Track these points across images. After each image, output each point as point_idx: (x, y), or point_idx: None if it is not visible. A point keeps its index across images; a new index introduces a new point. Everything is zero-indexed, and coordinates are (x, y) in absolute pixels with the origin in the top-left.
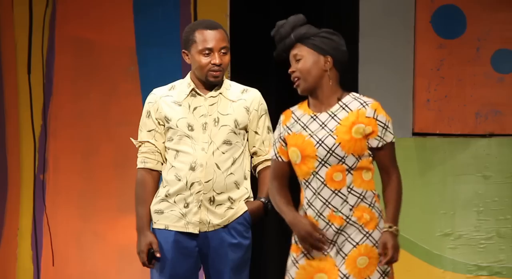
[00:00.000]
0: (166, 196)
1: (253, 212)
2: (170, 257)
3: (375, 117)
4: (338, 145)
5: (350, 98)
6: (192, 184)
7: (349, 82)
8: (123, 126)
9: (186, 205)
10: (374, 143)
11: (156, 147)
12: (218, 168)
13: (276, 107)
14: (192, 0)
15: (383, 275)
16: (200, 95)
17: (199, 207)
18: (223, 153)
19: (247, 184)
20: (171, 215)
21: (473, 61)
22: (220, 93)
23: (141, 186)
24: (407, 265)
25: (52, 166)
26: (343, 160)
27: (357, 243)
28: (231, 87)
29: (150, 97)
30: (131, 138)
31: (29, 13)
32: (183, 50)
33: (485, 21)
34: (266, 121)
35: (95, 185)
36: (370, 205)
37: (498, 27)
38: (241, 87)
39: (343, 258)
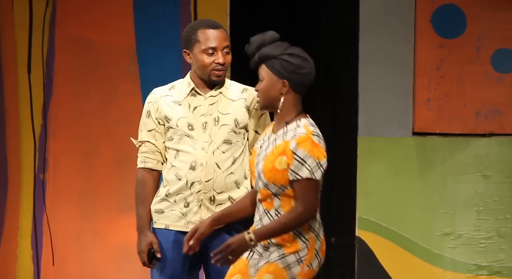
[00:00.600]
0: (167, 195)
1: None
2: (170, 257)
3: (294, 151)
4: (262, 172)
5: (292, 126)
6: (192, 184)
7: (349, 82)
8: (123, 125)
9: (186, 204)
10: (289, 176)
11: (156, 147)
12: (219, 167)
13: None
14: (192, 0)
15: None
16: (200, 94)
17: (200, 206)
18: (223, 152)
19: (247, 183)
20: (172, 215)
21: (473, 61)
22: (220, 92)
23: (141, 185)
24: (407, 264)
25: (52, 165)
26: (266, 186)
27: (269, 261)
28: (231, 86)
29: (150, 97)
30: (131, 138)
31: (29, 12)
32: (184, 50)
33: (485, 20)
34: (266, 120)
35: (95, 185)
36: (296, 233)
37: (498, 26)
38: (241, 86)
39: (255, 271)
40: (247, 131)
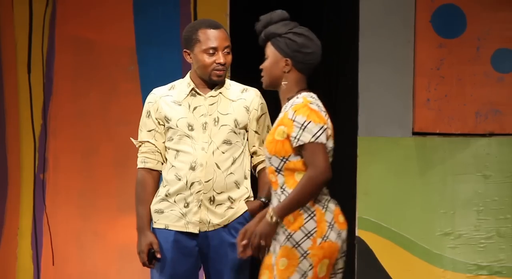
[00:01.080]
0: (166, 195)
1: (253, 211)
2: (170, 257)
3: (293, 118)
4: (265, 146)
5: (291, 101)
6: (192, 184)
7: (349, 82)
8: (123, 125)
9: (186, 204)
10: (294, 144)
11: (156, 147)
12: (218, 167)
13: (276, 107)
14: (192, 0)
15: (303, 277)
16: (200, 94)
17: (199, 206)
18: (223, 153)
19: (247, 183)
20: (171, 215)
21: (473, 61)
22: (220, 92)
23: (141, 185)
24: (407, 264)
25: (52, 165)
26: (270, 161)
27: (281, 244)
28: (231, 86)
29: (150, 97)
30: (131, 138)
31: (29, 12)
32: (185, 50)
33: (485, 20)
34: (266, 120)
35: (95, 184)
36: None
37: (498, 26)
38: (241, 86)
39: (275, 258)
40: (246, 131)
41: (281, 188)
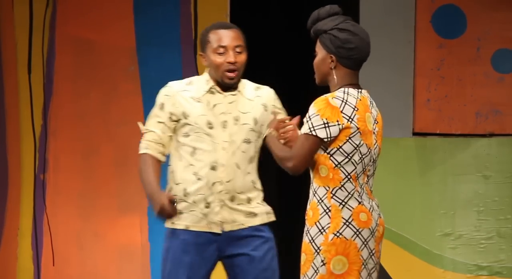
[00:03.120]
0: (185, 195)
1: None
2: (188, 260)
3: (309, 109)
4: None
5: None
6: (213, 184)
7: None
8: (123, 126)
9: (207, 205)
10: None
11: (160, 139)
12: (238, 167)
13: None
14: (192, 0)
15: (316, 273)
16: (219, 92)
17: (221, 206)
18: (243, 152)
19: (260, 183)
20: (192, 216)
21: (473, 61)
22: (239, 91)
23: (143, 163)
24: (407, 264)
25: (52, 165)
26: None
27: (303, 240)
28: (246, 86)
29: (166, 90)
30: (138, 122)
31: (29, 13)
32: (200, 53)
33: (485, 21)
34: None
35: (95, 185)
36: (318, 201)
37: (498, 27)
38: (253, 85)
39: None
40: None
41: (312, 182)
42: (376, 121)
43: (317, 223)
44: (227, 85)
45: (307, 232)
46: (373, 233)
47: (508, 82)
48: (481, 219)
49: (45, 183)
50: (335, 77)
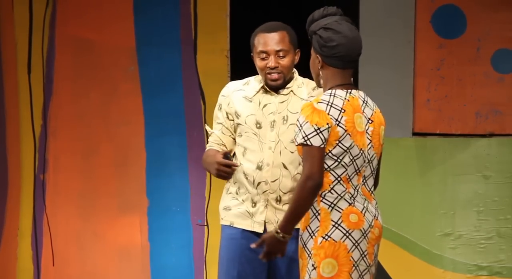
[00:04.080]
0: (237, 193)
1: None
2: (237, 254)
3: (298, 117)
4: None
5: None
6: (259, 184)
7: None
8: (123, 126)
9: (253, 204)
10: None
11: (221, 140)
12: (285, 167)
13: None
14: (192, 0)
15: (310, 277)
16: (270, 92)
17: (266, 206)
18: (291, 152)
19: None
20: (238, 213)
21: (473, 61)
22: (292, 91)
23: (205, 154)
24: (407, 265)
25: (52, 165)
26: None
27: (299, 245)
28: (303, 85)
29: (224, 91)
30: (205, 125)
31: (29, 12)
32: (251, 54)
33: (485, 21)
34: None
35: (95, 185)
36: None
37: (498, 27)
38: (313, 84)
39: None
40: None
41: None
42: (370, 121)
43: (308, 227)
44: (271, 87)
45: (300, 237)
46: (365, 235)
47: (508, 83)
48: (481, 219)
49: (45, 183)
50: (324, 77)
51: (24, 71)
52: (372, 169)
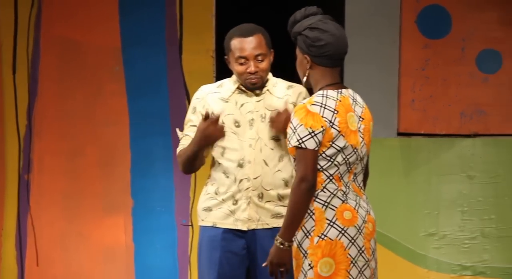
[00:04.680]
0: (216, 193)
1: None
2: (218, 256)
3: (291, 119)
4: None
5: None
6: (240, 181)
7: None
8: (109, 126)
9: (235, 202)
10: (288, 145)
11: None
12: (266, 164)
13: None
14: (178, 1)
15: (305, 276)
16: (246, 92)
17: (248, 203)
18: (272, 149)
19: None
20: (220, 213)
21: (458, 61)
22: (267, 90)
23: (182, 153)
24: (391, 264)
25: (37, 166)
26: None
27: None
28: (277, 84)
29: (198, 94)
30: (176, 129)
31: (14, 13)
32: (225, 57)
33: (470, 21)
34: None
35: (80, 185)
36: None
37: (483, 27)
38: (287, 83)
39: None
40: None
41: None
42: (361, 119)
43: (303, 227)
44: (251, 89)
45: (295, 237)
46: (360, 231)
47: (493, 83)
48: (465, 219)
49: (30, 184)
50: (314, 77)
51: (9, 71)
52: (363, 166)
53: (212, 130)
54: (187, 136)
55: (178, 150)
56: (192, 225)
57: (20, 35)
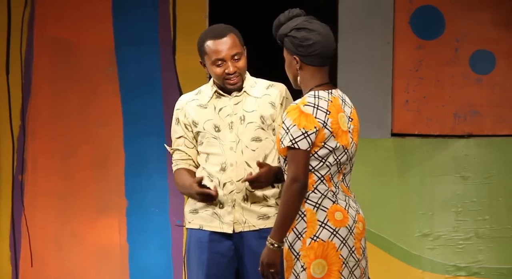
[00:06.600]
0: None
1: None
2: (205, 258)
3: (283, 119)
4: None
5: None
6: (224, 184)
7: None
8: (102, 127)
9: (220, 205)
10: (280, 145)
11: (187, 154)
12: (249, 165)
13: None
14: (171, 1)
15: (297, 278)
16: (224, 95)
17: (233, 206)
18: (253, 151)
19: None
20: (206, 215)
21: (451, 62)
22: (245, 91)
23: (178, 177)
24: (386, 265)
25: (30, 166)
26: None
27: (284, 247)
28: (256, 84)
29: (177, 104)
30: (165, 145)
31: (7, 13)
32: (200, 61)
33: (464, 22)
34: None
35: (74, 186)
36: None
37: (477, 28)
38: (267, 83)
39: None
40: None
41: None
42: (350, 119)
43: (294, 229)
44: (231, 91)
45: (286, 238)
46: (351, 231)
47: (486, 83)
48: (459, 219)
49: (23, 184)
50: (303, 78)
51: (2, 72)
52: (351, 166)
53: (209, 198)
54: (177, 151)
55: (174, 166)
56: (186, 226)
57: (13, 35)
